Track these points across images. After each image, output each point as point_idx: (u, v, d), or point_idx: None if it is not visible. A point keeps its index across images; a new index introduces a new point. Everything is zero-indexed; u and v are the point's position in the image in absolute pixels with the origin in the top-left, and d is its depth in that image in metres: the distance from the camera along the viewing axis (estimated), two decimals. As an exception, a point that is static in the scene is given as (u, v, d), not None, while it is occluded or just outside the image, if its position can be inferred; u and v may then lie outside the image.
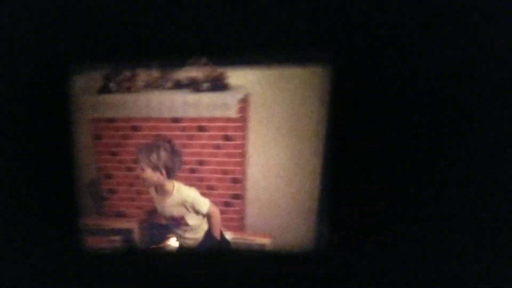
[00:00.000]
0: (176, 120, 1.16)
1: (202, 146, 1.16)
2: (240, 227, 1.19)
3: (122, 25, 1.05)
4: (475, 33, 0.96)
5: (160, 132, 1.16)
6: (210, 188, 1.19)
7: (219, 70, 1.09)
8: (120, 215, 1.23)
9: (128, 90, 1.15)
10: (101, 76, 1.15)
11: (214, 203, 1.18)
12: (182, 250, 1.21)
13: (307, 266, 1.13)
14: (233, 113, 1.12)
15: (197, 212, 1.17)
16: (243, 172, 1.16)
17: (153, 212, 1.21)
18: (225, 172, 1.17)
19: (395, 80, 1.01)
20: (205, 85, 1.11)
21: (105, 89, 1.16)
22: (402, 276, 1.08)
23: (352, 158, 1.05)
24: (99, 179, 1.23)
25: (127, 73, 1.14)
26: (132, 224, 1.21)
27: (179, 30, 1.03)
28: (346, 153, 1.05)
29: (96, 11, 1.06)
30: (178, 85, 1.13)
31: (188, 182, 1.18)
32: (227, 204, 1.19)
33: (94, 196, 1.23)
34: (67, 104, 1.11)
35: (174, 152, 1.14)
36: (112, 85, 1.15)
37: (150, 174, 1.14)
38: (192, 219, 1.17)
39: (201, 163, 1.17)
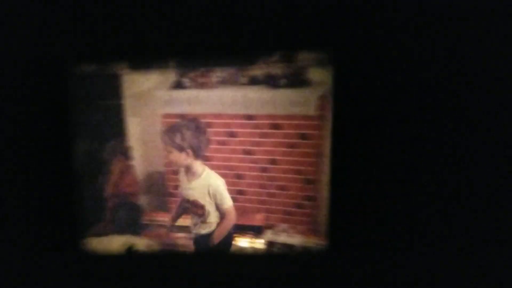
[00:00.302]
0: (249, 117, 1.13)
1: (276, 144, 1.12)
2: (311, 230, 1.15)
3: (127, 24, 1.05)
4: (476, 33, 0.95)
5: (233, 129, 1.14)
6: (281, 188, 1.15)
7: (298, 65, 1.05)
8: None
9: (202, 86, 1.13)
10: (175, 71, 1.14)
11: (286, 204, 1.16)
12: (182, 252, 1.19)
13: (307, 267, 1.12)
14: (311, 110, 1.08)
15: (217, 205, 1.13)
16: (318, 173, 1.12)
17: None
18: (298, 172, 1.13)
19: (396, 80, 1.00)
20: (282, 81, 1.08)
21: (178, 85, 1.15)
22: (403, 276, 1.07)
23: (355, 157, 1.04)
24: (166, 175, 1.22)
25: (202, 69, 1.13)
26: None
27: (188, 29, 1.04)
28: (348, 153, 1.04)
29: (97, 12, 1.06)
30: (254, 81, 1.10)
31: (258, 181, 1.15)
32: (299, 206, 1.15)
33: (158, 193, 1.22)
34: (67, 103, 1.12)
35: (199, 130, 1.11)
36: (185, 80, 1.14)
37: (177, 156, 1.12)
38: (211, 215, 1.14)
39: (273, 162, 1.14)
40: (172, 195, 1.21)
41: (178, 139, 1.11)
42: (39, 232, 1.19)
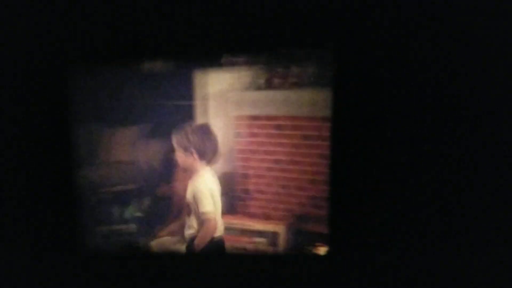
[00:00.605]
0: (327, 119, 1.07)
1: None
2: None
3: (126, 25, 1.04)
4: (476, 33, 0.95)
5: (306, 132, 1.10)
6: None
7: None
8: (263, 217, 1.19)
9: (279, 87, 1.10)
10: (249, 72, 1.10)
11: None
12: (182, 252, 1.17)
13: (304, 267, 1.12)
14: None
15: (196, 210, 1.12)
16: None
17: (301, 216, 1.16)
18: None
19: (397, 79, 0.99)
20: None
21: (253, 86, 1.11)
22: (403, 277, 1.07)
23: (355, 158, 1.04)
24: (240, 178, 1.20)
25: (279, 69, 1.09)
26: (278, 227, 1.16)
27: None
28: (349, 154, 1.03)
29: (97, 13, 1.04)
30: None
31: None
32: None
33: (230, 195, 1.20)
34: (66, 104, 1.10)
35: (206, 135, 1.11)
36: (261, 81, 1.11)
37: (182, 156, 1.12)
38: (193, 218, 1.14)
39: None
40: (241, 198, 1.19)
41: (183, 140, 1.12)
42: (40, 233, 1.18)
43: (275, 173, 1.15)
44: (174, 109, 1.14)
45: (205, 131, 1.12)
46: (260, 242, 1.16)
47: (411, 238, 1.06)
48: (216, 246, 1.15)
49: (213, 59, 1.09)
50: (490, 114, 0.98)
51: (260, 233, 1.16)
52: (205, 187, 1.13)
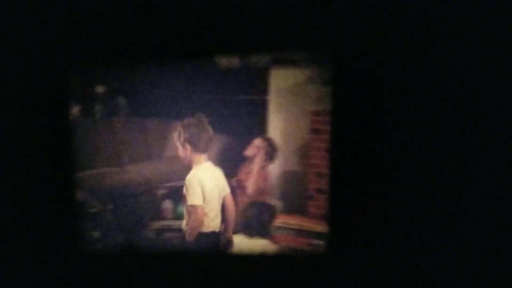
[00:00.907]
0: None
1: None
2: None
3: (126, 24, 1.04)
4: (476, 34, 0.96)
5: None
6: None
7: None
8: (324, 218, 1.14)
9: None
10: (330, 65, 1.05)
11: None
12: (181, 251, 1.18)
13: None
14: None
15: (186, 202, 1.15)
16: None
17: None
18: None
19: (395, 79, 0.99)
20: None
21: (318, 80, 1.06)
22: (406, 278, 1.07)
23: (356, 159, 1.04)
24: (307, 176, 1.15)
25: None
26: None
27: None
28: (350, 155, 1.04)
29: (96, 13, 1.04)
30: None
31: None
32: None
33: (299, 195, 1.16)
34: (66, 103, 1.10)
35: (200, 127, 1.13)
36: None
37: (180, 151, 1.16)
38: (185, 210, 1.17)
39: None
40: (312, 197, 1.14)
41: (178, 135, 1.15)
42: (40, 233, 1.17)
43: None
44: (245, 104, 1.11)
45: (197, 124, 1.13)
46: (317, 244, 1.13)
47: (410, 237, 1.07)
48: (212, 243, 1.16)
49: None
50: (490, 114, 0.99)
51: (317, 235, 1.14)
52: (194, 180, 1.15)
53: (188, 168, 1.16)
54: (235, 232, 1.18)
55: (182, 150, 1.16)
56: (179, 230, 1.18)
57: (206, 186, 1.14)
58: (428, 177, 1.05)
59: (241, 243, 1.17)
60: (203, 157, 1.15)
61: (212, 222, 1.16)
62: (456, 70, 0.99)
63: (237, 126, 1.12)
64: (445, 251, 1.07)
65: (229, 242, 1.17)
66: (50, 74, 1.10)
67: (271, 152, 1.13)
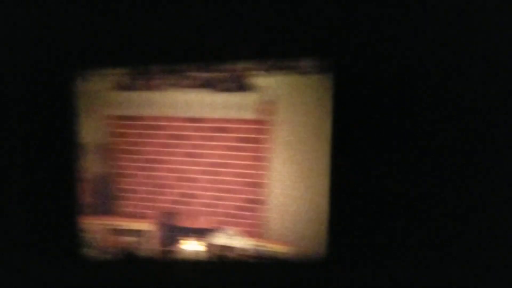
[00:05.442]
0: (194, 120, 1.13)
1: (223, 148, 1.13)
2: (259, 233, 1.15)
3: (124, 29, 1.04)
4: (476, 36, 0.97)
5: (177, 132, 1.13)
6: (228, 191, 1.15)
7: (240, 71, 1.07)
8: (137, 215, 1.20)
9: (149, 88, 1.12)
10: (121, 73, 1.12)
11: (233, 207, 1.14)
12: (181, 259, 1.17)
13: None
14: (250, 114, 1.09)
15: None
16: (264, 177, 1.12)
17: (171, 214, 1.18)
18: (244, 175, 1.13)
19: (394, 86, 1.00)
20: (225, 85, 1.09)
21: (125, 86, 1.13)
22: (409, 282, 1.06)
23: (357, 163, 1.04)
24: (113, 177, 1.20)
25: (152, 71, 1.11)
26: (149, 226, 1.18)
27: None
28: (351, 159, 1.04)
29: (98, 17, 1.04)
30: (200, 85, 1.10)
31: (206, 184, 1.15)
32: (246, 209, 1.15)
33: (105, 195, 1.20)
34: (70, 105, 1.12)
35: None
36: (136, 82, 1.13)
37: None
38: None
39: (219, 165, 1.14)
40: (119, 197, 1.20)
41: None
42: (40, 240, 1.17)
43: (147, 173, 1.17)
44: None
45: None
46: (132, 241, 1.17)
47: (411, 240, 1.05)
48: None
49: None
50: (490, 114, 0.98)
51: (132, 232, 1.18)
52: None
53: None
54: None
55: None
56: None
57: None
58: (430, 182, 1.04)
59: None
60: None
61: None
62: (456, 91, 1.00)
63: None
64: (444, 257, 1.05)
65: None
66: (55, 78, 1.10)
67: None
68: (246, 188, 1.15)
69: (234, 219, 1.16)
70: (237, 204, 1.16)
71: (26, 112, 1.12)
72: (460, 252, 1.02)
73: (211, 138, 1.13)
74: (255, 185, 1.14)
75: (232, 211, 1.16)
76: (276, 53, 1.04)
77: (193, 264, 1.16)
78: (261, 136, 1.11)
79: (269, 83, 1.07)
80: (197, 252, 1.17)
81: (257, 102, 1.08)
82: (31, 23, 1.07)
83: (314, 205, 1.09)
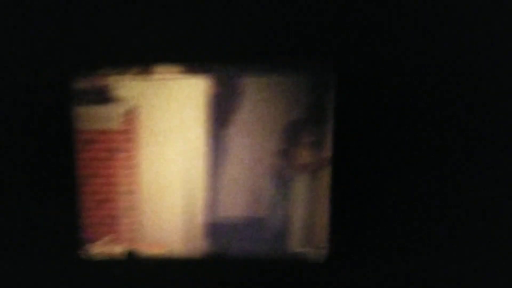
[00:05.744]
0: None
1: (91, 158, 1.12)
2: (135, 238, 1.16)
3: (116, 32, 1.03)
4: (476, 36, 0.97)
5: None
6: (100, 201, 1.14)
7: (104, 82, 1.07)
8: None
9: None
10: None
11: (107, 216, 1.14)
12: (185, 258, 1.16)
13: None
14: (116, 125, 1.10)
15: None
16: (136, 184, 1.14)
17: None
18: (115, 184, 1.14)
19: (397, 89, 1.01)
20: (89, 97, 1.08)
21: None
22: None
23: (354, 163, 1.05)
24: None
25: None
26: None
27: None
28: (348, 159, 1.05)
29: (94, 19, 1.04)
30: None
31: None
32: (120, 216, 1.15)
33: None
34: (67, 111, 1.09)
35: None
36: None
37: None
38: None
39: (91, 175, 1.13)
40: None
41: None
42: (39, 238, 1.15)
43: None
44: None
45: None
46: None
47: (411, 243, 1.07)
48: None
49: None
50: (490, 115, 1.00)
51: None
52: None
53: None
54: None
55: None
56: None
57: None
58: (430, 182, 1.05)
59: None
60: None
61: None
62: (458, 91, 1.00)
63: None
64: (445, 258, 1.07)
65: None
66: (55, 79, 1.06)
67: None
68: (118, 197, 1.15)
69: (109, 228, 1.16)
70: (111, 213, 1.16)
71: (25, 112, 1.10)
72: (461, 252, 1.07)
73: (82, 150, 1.12)
74: (127, 192, 1.15)
75: (107, 221, 1.16)
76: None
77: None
78: (129, 145, 1.12)
79: (132, 92, 1.09)
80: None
81: (122, 112, 1.10)
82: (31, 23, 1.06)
83: (190, 203, 1.13)
